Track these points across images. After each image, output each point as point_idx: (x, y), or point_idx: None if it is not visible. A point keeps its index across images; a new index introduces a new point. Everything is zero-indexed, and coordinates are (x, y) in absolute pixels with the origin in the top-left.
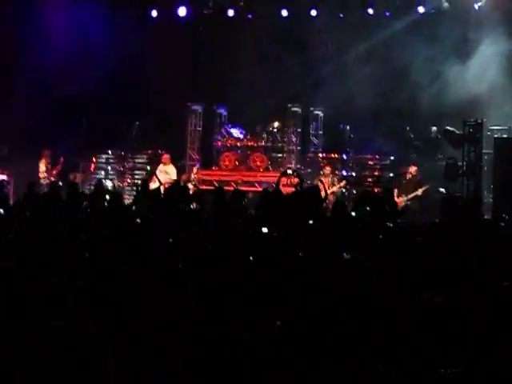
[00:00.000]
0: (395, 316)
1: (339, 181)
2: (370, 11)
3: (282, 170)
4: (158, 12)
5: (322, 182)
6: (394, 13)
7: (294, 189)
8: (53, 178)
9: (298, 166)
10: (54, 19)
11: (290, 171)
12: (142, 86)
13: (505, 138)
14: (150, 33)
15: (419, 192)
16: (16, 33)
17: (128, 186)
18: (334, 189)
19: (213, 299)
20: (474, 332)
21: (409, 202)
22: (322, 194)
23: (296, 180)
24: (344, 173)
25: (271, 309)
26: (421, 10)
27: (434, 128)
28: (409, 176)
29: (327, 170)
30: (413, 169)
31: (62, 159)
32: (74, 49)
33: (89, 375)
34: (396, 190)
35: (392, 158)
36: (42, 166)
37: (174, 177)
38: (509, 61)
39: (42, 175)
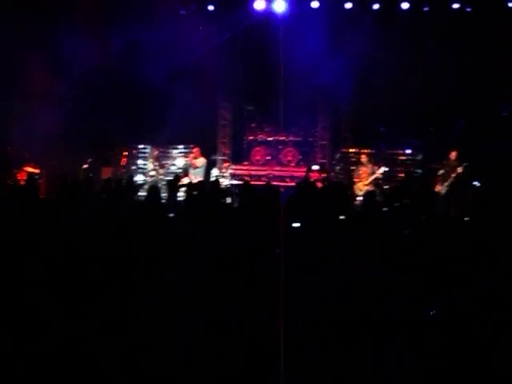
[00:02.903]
0: None
1: (378, 168)
2: None
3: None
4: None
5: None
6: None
7: (322, 184)
8: None
9: (332, 162)
10: None
11: (315, 167)
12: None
13: None
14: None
15: (459, 169)
16: None
17: (160, 180)
18: (375, 176)
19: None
20: None
21: (448, 188)
22: (359, 186)
23: (324, 175)
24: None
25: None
26: None
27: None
28: (450, 163)
29: (364, 158)
30: (453, 154)
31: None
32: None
33: None
34: (440, 178)
35: (423, 154)
36: None
37: (202, 170)
38: None
39: None
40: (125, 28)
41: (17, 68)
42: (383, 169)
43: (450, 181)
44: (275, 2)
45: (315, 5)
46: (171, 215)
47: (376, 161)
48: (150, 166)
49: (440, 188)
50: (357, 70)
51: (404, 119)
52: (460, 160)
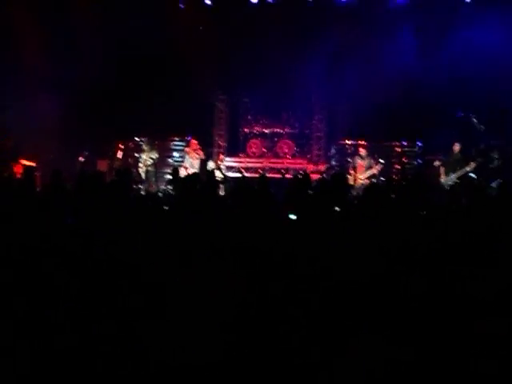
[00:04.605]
0: None
1: (376, 163)
2: None
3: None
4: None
5: (354, 168)
6: None
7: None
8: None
9: (328, 154)
10: None
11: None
12: (169, 73)
13: None
14: (178, 20)
15: (471, 166)
16: None
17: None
18: (372, 171)
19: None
20: None
21: (457, 180)
22: (353, 179)
23: (323, 167)
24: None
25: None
26: None
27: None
28: (453, 155)
29: (362, 152)
30: (456, 147)
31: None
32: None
33: None
34: (442, 169)
35: (420, 144)
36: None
37: (198, 163)
38: None
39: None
40: (123, 20)
41: (15, 58)
42: (380, 166)
43: (459, 173)
44: None
45: None
46: (166, 208)
47: (372, 152)
48: (144, 157)
49: (445, 178)
50: (352, 62)
51: (400, 111)
52: (463, 152)
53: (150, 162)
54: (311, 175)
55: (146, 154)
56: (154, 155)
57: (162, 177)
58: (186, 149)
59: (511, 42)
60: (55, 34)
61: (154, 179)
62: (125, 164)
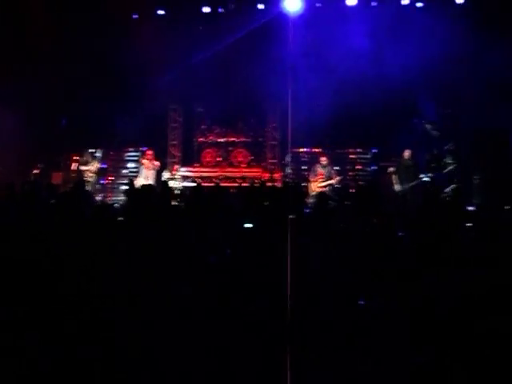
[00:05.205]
0: None
1: (336, 174)
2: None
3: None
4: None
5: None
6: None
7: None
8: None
9: (281, 162)
10: None
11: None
12: (122, 83)
13: None
14: (130, 31)
15: (425, 179)
16: None
17: (111, 183)
18: (330, 182)
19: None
20: None
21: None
22: (312, 187)
23: (278, 175)
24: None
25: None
26: None
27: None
28: (404, 161)
29: (324, 161)
30: (406, 153)
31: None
32: None
33: None
34: (395, 176)
35: (374, 151)
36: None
37: (154, 173)
38: None
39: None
40: (75, 31)
41: None
42: (339, 178)
43: (414, 183)
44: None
45: None
46: (120, 219)
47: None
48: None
49: (399, 188)
50: (305, 69)
51: (355, 118)
52: (413, 159)
53: (90, 173)
54: (266, 184)
55: (86, 166)
56: (94, 166)
57: (117, 188)
58: (141, 159)
59: (465, 47)
60: (7, 45)
61: (93, 190)
62: (79, 175)
